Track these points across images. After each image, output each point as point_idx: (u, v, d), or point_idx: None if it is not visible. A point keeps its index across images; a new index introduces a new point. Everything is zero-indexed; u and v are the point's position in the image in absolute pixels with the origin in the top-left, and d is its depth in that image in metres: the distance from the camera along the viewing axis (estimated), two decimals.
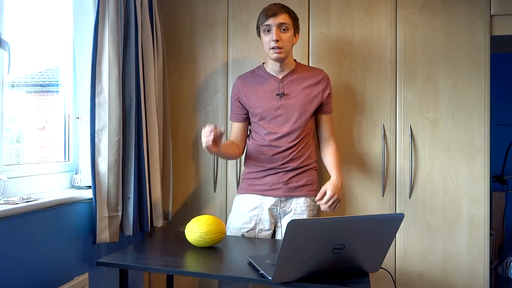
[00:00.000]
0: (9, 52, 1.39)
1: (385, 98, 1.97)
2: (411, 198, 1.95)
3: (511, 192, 2.91)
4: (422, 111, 1.94)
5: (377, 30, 1.98)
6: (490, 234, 2.09)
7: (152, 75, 1.87)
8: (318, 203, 1.61)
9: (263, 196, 1.73)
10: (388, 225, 1.16)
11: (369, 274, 1.23)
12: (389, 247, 1.20)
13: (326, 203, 1.58)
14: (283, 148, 1.71)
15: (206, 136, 1.48)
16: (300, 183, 1.72)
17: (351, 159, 2.00)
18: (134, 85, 1.75)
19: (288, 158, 1.71)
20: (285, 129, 1.71)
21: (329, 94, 1.76)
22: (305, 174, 1.74)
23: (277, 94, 1.72)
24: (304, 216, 1.71)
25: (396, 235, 1.95)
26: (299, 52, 2.02)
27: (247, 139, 1.83)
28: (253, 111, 1.75)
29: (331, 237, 1.11)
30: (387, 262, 1.95)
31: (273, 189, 1.72)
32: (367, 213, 1.97)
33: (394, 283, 1.92)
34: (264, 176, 1.73)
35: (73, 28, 1.75)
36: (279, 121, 1.72)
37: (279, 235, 1.75)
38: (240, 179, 1.89)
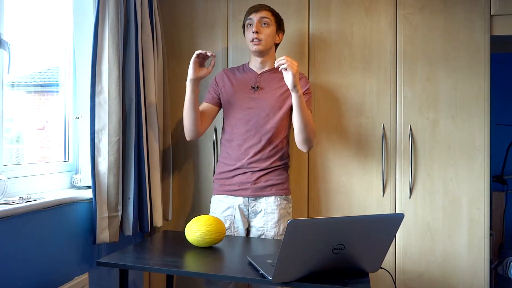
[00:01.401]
0: (9, 52, 1.39)
1: (385, 98, 1.97)
2: (411, 198, 1.95)
3: (511, 192, 2.91)
4: (422, 111, 1.94)
5: (377, 30, 1.98)
6: (490, 234, 2.08)
7: (152, 75, 1.87)
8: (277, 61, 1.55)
9: (233, 196, 1.74)
10: (388, 225, 1.16)
11: (369, 274, 1.23)
12: (389, 247, 1.20)
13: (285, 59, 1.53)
14: (251, 143, 1.72)
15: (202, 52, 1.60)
16: (268, 182, 1.72)
17: (351, 159, 2.00)
18: (134, 85, 1.75)
19: (257, 157, 1.71)
20: (255, 122, 1.72)
21: (303, 91, 1.71)
22: (274, 173, 1.74)
23: (252, 87, 1.75)
24: (275, 215, 1.71)
25: (396, 235, 1.95)
26: (299, 52, 2.02)
27: (220, 140, 1.85)
28: (227, 99, 1.78)
29: (331, 237, 1.11)
30: (387, 262, 1.95)
31: (242, 189, 1.73)
32: (367, 213, 1.97)
33: (394, 283, 1.92)
34: (233, 176, 1.74)
35: (73, 28, 1.75)
36: (250, 113, 1.73)
37: (252, 235, 1.75)
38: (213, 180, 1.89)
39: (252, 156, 1.72)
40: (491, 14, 1.89)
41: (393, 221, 1.16)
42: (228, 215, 1.74)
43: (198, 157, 2.15)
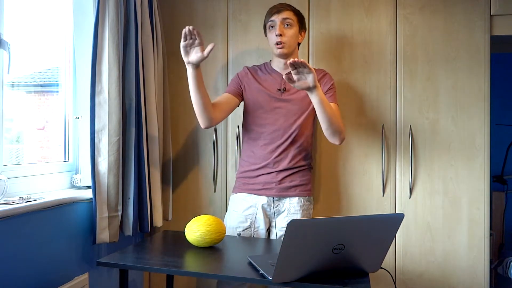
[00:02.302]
0: (9, 52, 1.39)
1: (385, 98, 1.97)
2: (411, 198, 1.95)
3: (511, 192, 2.91)
4: (422, 111, 1.94)
5: (377, 30, 1.98)
6: (490, 234, 2.09)
7: (152, 75, 1.87)
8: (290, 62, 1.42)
9: (257, 196, 1.73)
10: (388, 225, 1.16)
11: (369, 274, 1.23)
12: (389, 247, 1.20)
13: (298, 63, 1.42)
14: (278, 143, 1.71)
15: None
16: (293, 183, 1.72)
17: (351, 159, 2.00)
18: (134, 85, 1.75)
19: (282, 156, 1.71)
20: (282, 122, 1.71)
21: (328, 86, 1.73)
22: (299, 174, 1.73)
23: (279, 89, 1.74)
24: (298, 216, 1.70)
25: (396, 235, 1.95)
26: (299, 53, 2.02)
27: (242, 137, 1.84)
28: (251, 98, 1.76)
29: (331, 237, 1.11)
30: (387, 262, 1.96)
31: (266, 188, 1.72)
32: (367, 213, 1.97)
33: (394, 283, 1.92)
34: (258, 176, 1.73)
35: (73, 28, 1.75)
36: (278, 113, 1.72)
37: (274, 235, 1.75)
38: (235, 178, 1.89)
39: (278, 155, 1.71)
40: (491, 14, 1.89)
41: (393, 221, 1.16)
42: (250, 214, 1.73)
43: (198, 157, 2.15)
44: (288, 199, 1.72)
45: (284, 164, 1.71)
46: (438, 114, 1.93)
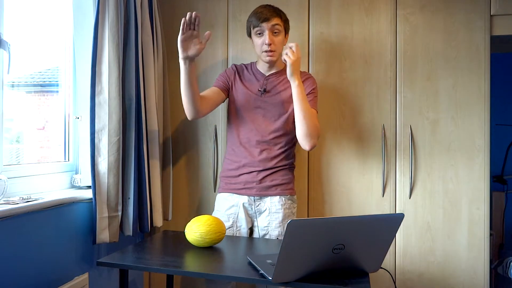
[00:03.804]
0: (9, 52, 1.39)
1: (385, 98, 1.97)
2: (411, 198, 1.95)
3: (511, 192, 2.91)
4: (422, 111, 1.94)
5: (377, 30, 1.98)
6: (490, 234, 2.08)
7: (152, 75, 1.87)
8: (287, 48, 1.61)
9: (238, 195, 1.75)
10: (388, 225, 1.16)
11: (369, 274, 1.23)
12: (389, 247, 1.20)
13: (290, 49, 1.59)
14: (258, 142, 1.72)
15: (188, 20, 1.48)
16: (274, 182, 1.72)
17: (351, 159, 2.00)
18: (134, 85, 1.75)
19: (262, 155, 1.72)
20: (261, 122, 1.73)
21: (308, 91, 1.73)
22: (280, 173, 1.74)
23: (259, 90, 1.76)
24: (280, 215, 1.71)
25: (396, 235, 1.95)
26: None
27: (226, 136, 1.85)
28: (235, 96, 1.78)
29: (331, 237, 1.11)
30: (387, 262, 1.95)
31: (247, 188, 1.73)
32: (367, 213, 1.97)
33: (394, 283, 1.92)
34: (239, 175, 1.75)
35: (73, 28, 1.75)
36: (257, 113, 1.74)
37: (256, 234, 1.75)
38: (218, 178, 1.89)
39: (258, 155, 1.72)
40: (491, 14, 1.89)
41: (393, 221, 1.16)
42: (232, 214, 1.75)
43: (198, 157, 2.15)
44: (269, 198, 1.73)
45: (264, 164, 1.72)
46: (438, 114, 1.93)
